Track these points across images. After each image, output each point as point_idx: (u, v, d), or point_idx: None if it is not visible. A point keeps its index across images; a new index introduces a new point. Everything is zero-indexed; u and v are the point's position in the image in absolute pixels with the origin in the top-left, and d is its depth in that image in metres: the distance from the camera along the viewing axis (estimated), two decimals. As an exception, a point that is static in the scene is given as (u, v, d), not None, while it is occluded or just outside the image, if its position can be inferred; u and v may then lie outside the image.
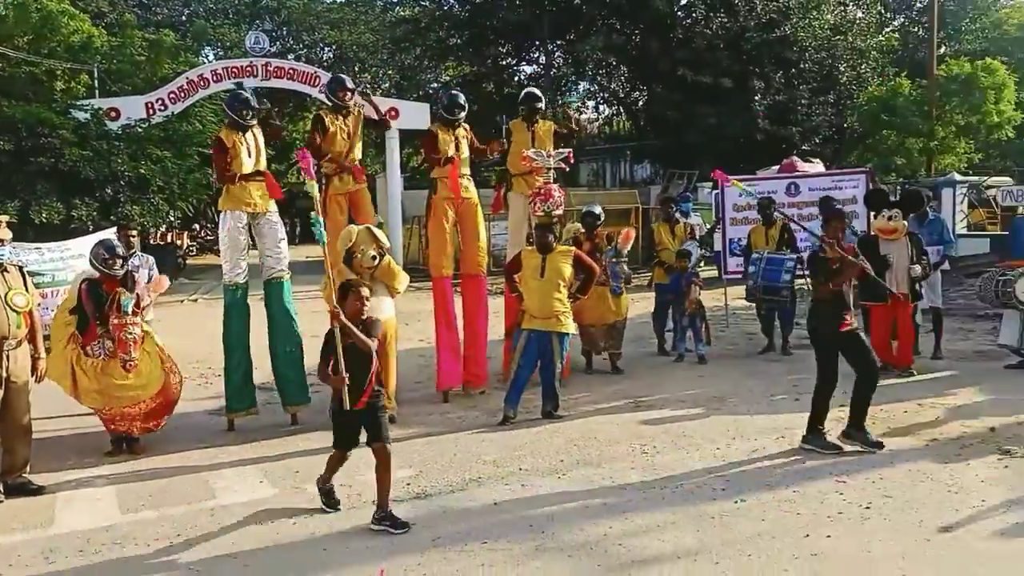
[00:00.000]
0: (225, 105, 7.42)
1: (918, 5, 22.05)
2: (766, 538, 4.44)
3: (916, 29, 22.94)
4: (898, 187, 16.10)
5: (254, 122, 7.14)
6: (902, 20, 23.62)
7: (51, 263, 9.63)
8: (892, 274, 7.68)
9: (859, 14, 22.37)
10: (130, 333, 6.18)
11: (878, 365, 5.97)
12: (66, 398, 6.57)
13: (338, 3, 34.90)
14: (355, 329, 4.83)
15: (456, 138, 7.91)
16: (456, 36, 29.19)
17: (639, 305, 10.77)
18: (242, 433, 6.94)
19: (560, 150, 8.19)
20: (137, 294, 6.38)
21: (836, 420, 6.07)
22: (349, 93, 7.65)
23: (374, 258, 6.72)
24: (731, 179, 8.90)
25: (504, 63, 30.06)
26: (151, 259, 8.40)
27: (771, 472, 5.47)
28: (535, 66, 30.43)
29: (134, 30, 23.30)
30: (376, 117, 7.92)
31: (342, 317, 4.83)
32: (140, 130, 18.25)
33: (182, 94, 19.14)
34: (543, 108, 8.68)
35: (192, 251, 29.70)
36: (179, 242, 27.67)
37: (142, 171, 17.43)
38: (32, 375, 5.80)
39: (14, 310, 5.54)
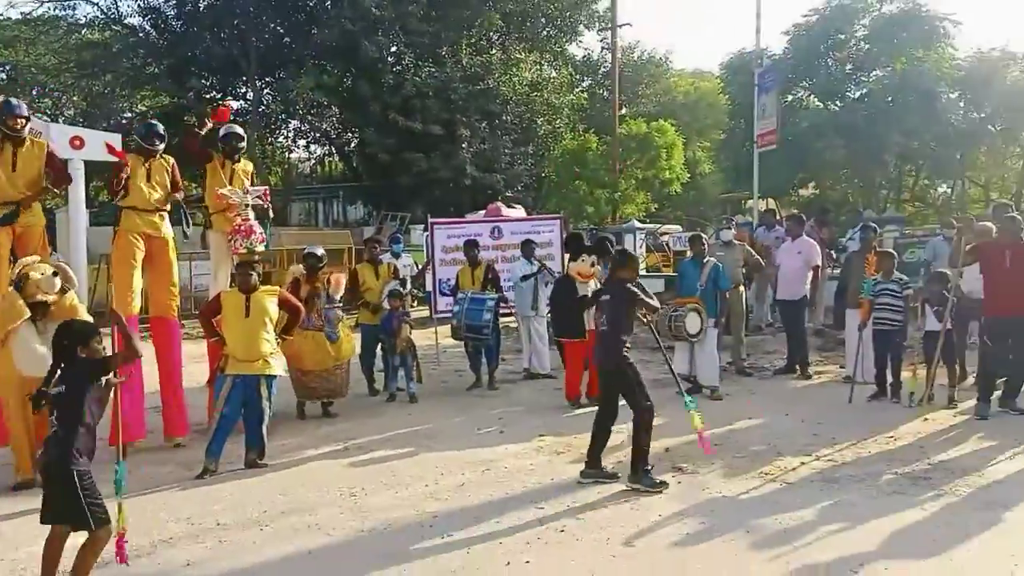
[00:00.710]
0: None
1: (602, 70, 24.50)
2: (471, 569, 4.54)
3: (601, 91, 25.52)
4: (589, 232, 17.61)
5: None
6: (589, 82, 26.18)
7: None
8: (588, 312, 8.32)
9: (553, 73, 24.45)
10: None
11: (648, 406, 6.05)
12: None
13: (12, 20, 31.17)
14: None
15: (148, 170, 7.39)
16: (154, 65, 27.34)
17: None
18: None
19: (256, 187, 7.99)
20: None
21: (617, 453, 6.39)
22: (22, 120, 6.83)
23: (59, 287, 6.07)
24: None
25: (208, 96, 28.65)
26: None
27: (477, 505, 5.62)
28: (242, 101, 29.36)
29: None
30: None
31: None
32: None
33: None
34: (244, 147, 8.37)
35: None
36: None
37: None
38: None
39: None
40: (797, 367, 10.00)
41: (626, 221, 20.38)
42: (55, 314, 6.10)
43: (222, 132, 8.20)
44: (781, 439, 7.06)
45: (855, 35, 20.05)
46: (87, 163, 18.06)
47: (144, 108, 29.92)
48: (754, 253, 10.65)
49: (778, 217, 14.63)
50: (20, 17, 31.28)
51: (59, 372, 4.29)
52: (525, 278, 10.17)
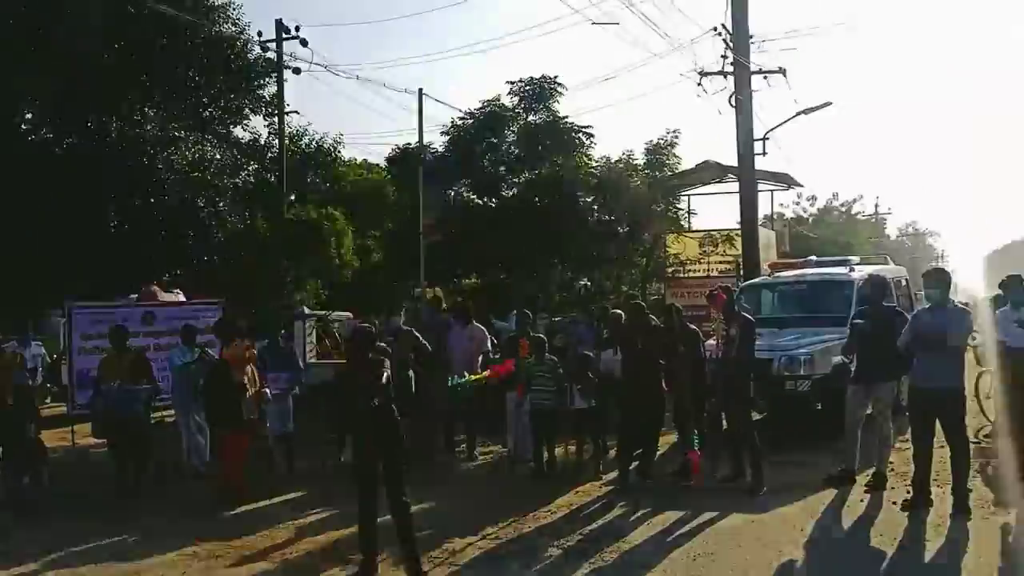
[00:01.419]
0: None
1: (269, 155, 24.12)
2: None
3: (269, 176, 25.04)
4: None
5: None
6: (257, 166, 25.56)
7: None
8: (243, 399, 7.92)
9: (217, 155, 23.56)
10: None
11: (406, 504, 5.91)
12: None
13: None
14: None
15: None
16: None
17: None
18: None
19: None
20: None
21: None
22: None
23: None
24: None
25: None
26: None
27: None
28: None
29: None
30: None
31: None
32: None
33: None
34: None
35: None
36: None
37: None
38: None
39: None
40: (465, 448, 10.31)
41: (296, 307, 19.89)
42: None
43: None
44: (448, 521, 7.15)
45: (506, 139, 21.96)
46: None
47: None
48: (420, 338, 10.89)
49: (443, 305, 15.21)
50: None
51: None
52: (185, 366, 9.45)
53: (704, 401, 8.69)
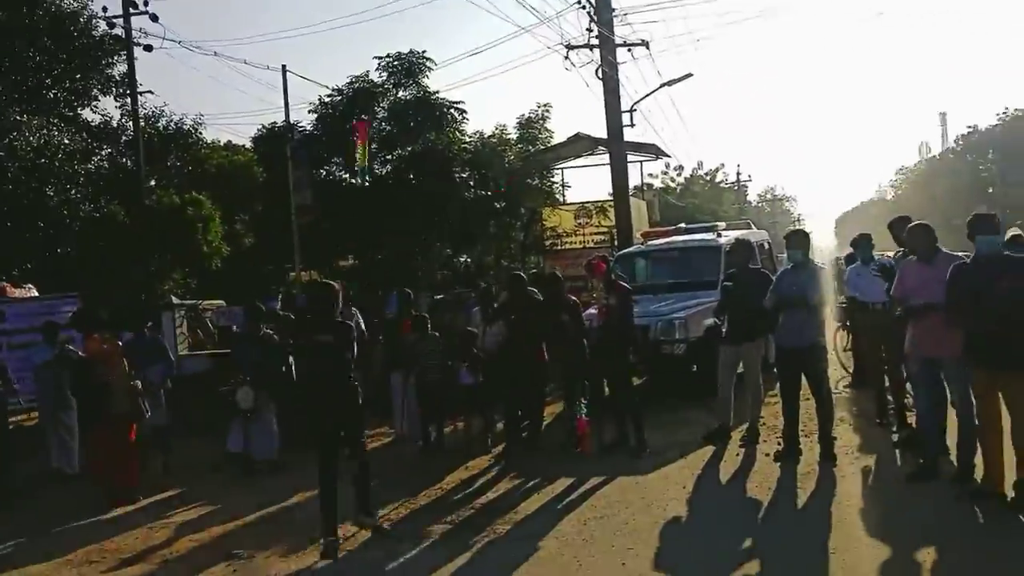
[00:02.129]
0: None
1: (124, 138, 22.75)
2: None
3: (125, 160, 23.62)
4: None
5: None
6: (110, 151, 24.07)
7: None
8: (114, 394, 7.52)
9: (65, 140, 21.97)
10: None
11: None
12: None
13: None
14: None
15: None
16: None
17: None
18: None
19: None
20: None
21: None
22: None
23: None
24: None
25: None
26: None
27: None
28: None
29: None
30: None
31: None
32: None
33: None
34: None
35: None
36: None
37: None
38: None
39: None
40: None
41: (163, 299, 18.96)
42: None
43: None
44: (339, 507, 7.02)
45: (376, 116, 21.56)
46: None
47: None
48: (299, 323, 10.63)
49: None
50: None
51: None
52: (46, 365, 8.86)
53: (587, 369, 8.87)
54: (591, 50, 16.50)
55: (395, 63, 21.27)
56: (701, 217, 32.18)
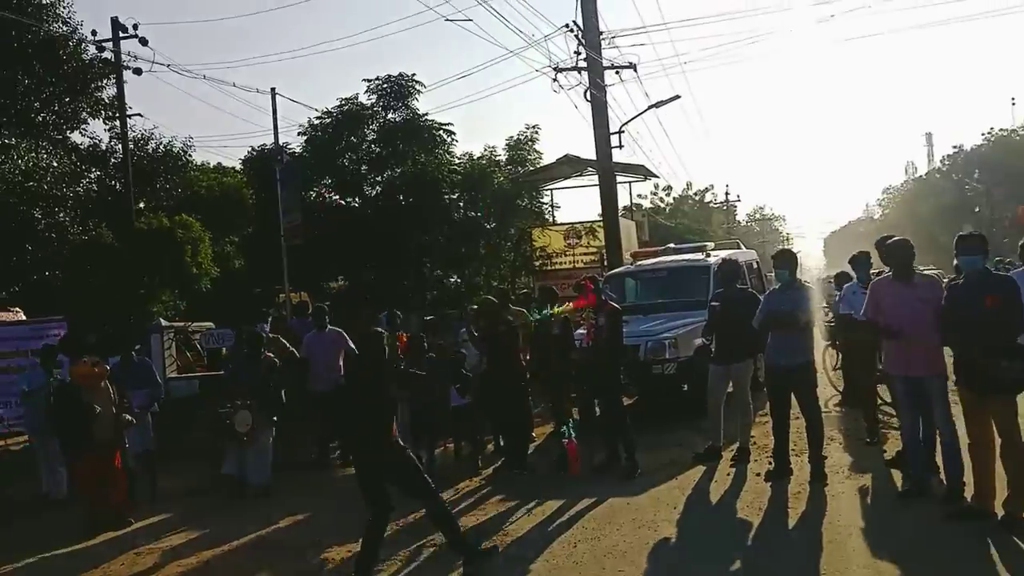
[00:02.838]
0: None
1: (113, 161, 22.72)
2: None
3: (114, 183, 23.59)
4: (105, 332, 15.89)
5: None
6: (99, 173, 24.03)
7: None
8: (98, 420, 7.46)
9: (54, 163, 21.94)
10: None
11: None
12: None
13: None
14: None
15: None
16: None
17: None
18: None
19: None
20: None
21: None
22: None
23: None
24: None
25: None
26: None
27: None
28: None
29: None
30: None
31: None
32: None
33: None
34: None
35: None
36: None
37: None
38: None
39: None
40: (340, 455, 10.09)
41: (152, 320, 18.86)
42: None
43: None
44: (326, 530, 6.98)
45: (366, 138, 21.64)
46: None
47: None
48: (288, 345, 10.56)
49: (309, 310, 14.80)
50: None
51: None
52: (37, 390, 8.84)
53: (577, 389, 8.86)
54: (579, 72, 16.63)
55: (385, 86, 21.38)
56: (690, 237, 32.33)
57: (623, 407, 8.73)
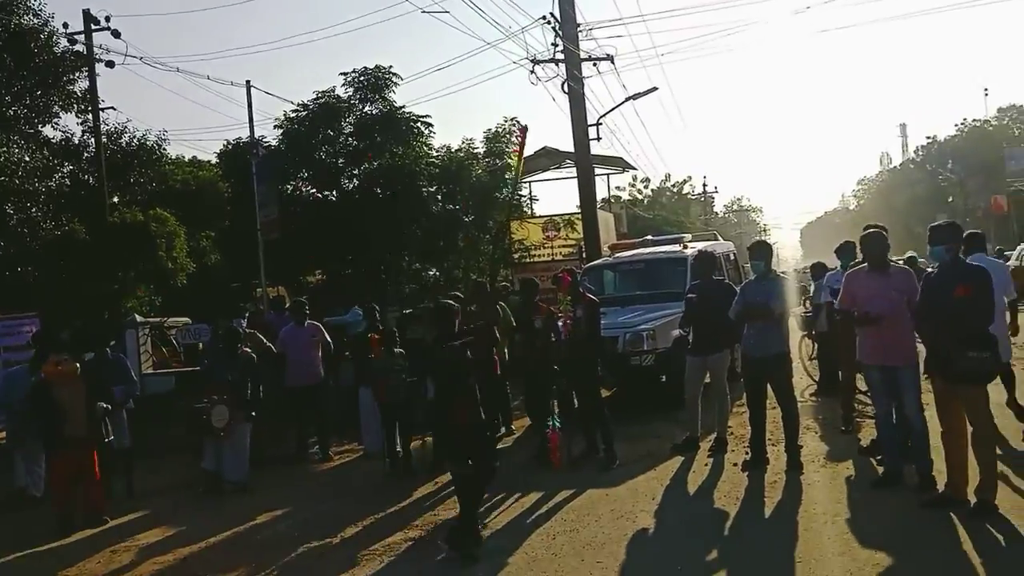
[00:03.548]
0: None
1: (86, 155, 22.40)
2: None
3: (87, 177, 23.27)
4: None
5: None
6: (72, 167, 23.70)
7: None
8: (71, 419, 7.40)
9: (26, 157, 21.63)
10: None
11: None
12: None
13: None
14: None
15: None
16: None
17: None
18: None
19: None
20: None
21: None
22: None
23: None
24: None
25: None
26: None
27: None
28: None
29: None
30: None
31: None
32: None
33: None
34: None
35: None
36: None
37: None
38: None
39: None
40: (319, 449, 10.06)
41: (127, 316, 18.67)
42: None
43: None
44: (308, 525, 6.95)
45: (343, 131, 21.47)
46: None
47: None
48: (265, 340, 10.49)
49: (286, 304, 14.72)
50: None
51: None
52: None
53: (556, 377, 8.86)
54: (557, 64, 16.62)
55: (361, 78, 21.23)
56: (668, 229, 32.46)
57: (601, 398, 8.76)
